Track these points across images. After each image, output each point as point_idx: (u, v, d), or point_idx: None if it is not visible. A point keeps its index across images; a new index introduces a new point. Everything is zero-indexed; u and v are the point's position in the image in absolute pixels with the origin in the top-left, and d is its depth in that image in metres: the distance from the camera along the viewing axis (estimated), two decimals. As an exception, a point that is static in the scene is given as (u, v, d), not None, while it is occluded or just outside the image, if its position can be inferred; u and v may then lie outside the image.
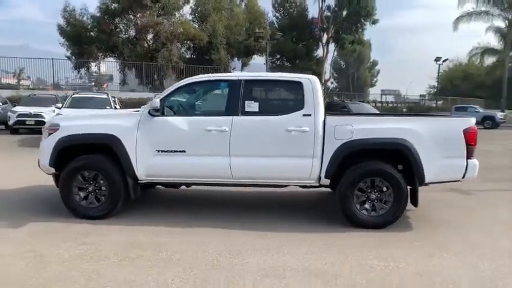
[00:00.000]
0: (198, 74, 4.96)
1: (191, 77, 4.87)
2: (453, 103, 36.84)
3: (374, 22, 34.26)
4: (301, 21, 36.41)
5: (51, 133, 4.76)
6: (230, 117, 4.59)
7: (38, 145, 4.96)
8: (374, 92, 58.18)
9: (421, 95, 50.20)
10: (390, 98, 49.51)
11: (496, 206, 5.85)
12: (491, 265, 3.56)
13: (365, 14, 33.22)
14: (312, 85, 4.66)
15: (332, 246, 4.00)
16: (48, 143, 4.74)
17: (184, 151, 4.61)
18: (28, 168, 6.28)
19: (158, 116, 4.61)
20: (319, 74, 30.64)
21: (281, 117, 4.59)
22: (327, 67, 39.05)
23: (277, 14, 38.30)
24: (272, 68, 34.42)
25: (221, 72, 27.34)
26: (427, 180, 4.50)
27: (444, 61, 33.35)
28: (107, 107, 13.37)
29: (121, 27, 26.52)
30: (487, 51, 33.24)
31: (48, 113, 14.23)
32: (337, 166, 4.49)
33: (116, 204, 4.70)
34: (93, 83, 31.44)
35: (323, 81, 31.88)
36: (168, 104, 4.77)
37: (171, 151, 4.62)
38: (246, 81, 4.72)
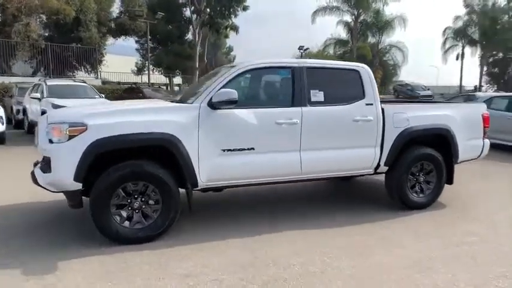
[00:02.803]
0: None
1: (247, 63, 4.16)
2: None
3: (245, 8, 35.06)
4: (173, 1, 34.70)
5: (74, 135, 3.47)
6: (299, 108, 4.18)
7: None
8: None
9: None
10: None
11: (481, 179, 6.88)
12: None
13: (237, 0, 33.73)
14: (368, 73, 4.61)
15: (408, 231, 4.13)
16: (70, 150, 3.44)
17: (253, 148, 4.00)
18: None
19: (225, 108, 3.85)
20: (192, 58, 30.31)
21: (346, 106, 4.42)
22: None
23: (146, -8, 35.45)
24: (145, 50, 32.03)
25: (96, 52, 24.21)
26: (458, 160, 5.03)
27: (306, 50, 36.91)
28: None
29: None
30: (339, 42, 38.29)
31: None
32: (397, 153, 4.62)
33: (173, 219, 3.79)
34: None
35: (196, 66, 31.22)
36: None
37: (239, 149, 3.95)
38: (308, 68, 4.35)
